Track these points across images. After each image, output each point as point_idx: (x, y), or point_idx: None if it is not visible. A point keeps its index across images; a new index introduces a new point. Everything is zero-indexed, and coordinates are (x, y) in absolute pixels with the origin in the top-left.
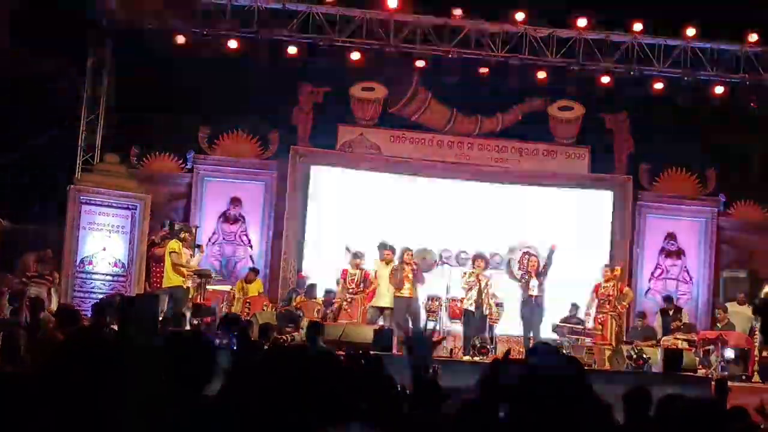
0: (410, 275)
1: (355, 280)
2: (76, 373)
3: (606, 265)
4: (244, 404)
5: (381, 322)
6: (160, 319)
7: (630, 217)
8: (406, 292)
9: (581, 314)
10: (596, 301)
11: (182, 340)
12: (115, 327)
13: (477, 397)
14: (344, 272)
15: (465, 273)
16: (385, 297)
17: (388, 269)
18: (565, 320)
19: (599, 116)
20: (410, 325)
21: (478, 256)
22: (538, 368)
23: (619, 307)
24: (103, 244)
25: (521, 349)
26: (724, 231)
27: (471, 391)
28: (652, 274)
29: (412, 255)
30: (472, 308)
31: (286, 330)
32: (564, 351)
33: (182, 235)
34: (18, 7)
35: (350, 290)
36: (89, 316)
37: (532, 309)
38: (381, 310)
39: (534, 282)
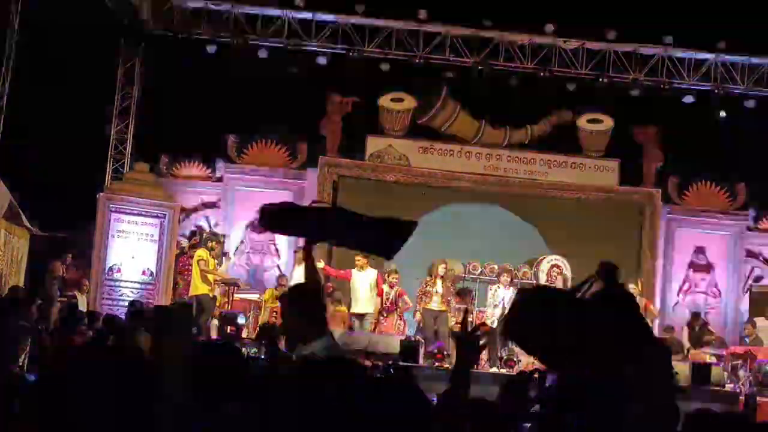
0: (441, 288)
1: (390, 298)
2: (106, 383)
3: (632, 284)
4: (272, 417)
5: (365, 327)
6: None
7: (659, 231)
8: (434, 305)
9: None
10: None
11: (213, 351)
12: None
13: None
14: (380, 291)
15: (490, 288)
16: (361, 303)
17: (362, 275)
18: None
19: (629, 129)
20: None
21: (502, 271)
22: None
23: None
24: (132, 252)
25: None
26: (753, 245)
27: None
28: (681, 288)
29: (446, 268)
30: (496, 325)
31: None
32: None
33: (209, 244)
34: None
35: (386, 307)
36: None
37: None
38: (360, 316)
39: None
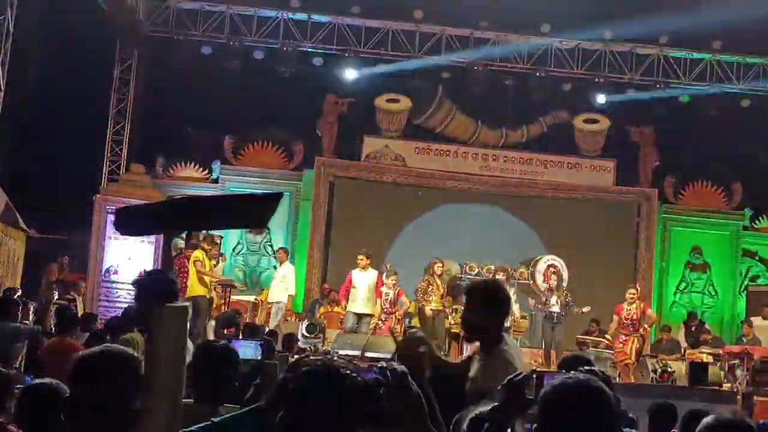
0: (441, 287)
1: (389, 299)
2: (101, 388)
3: (631, 288)
4: (270, 417)
5: (363, 329)
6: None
7: (655, 230)
8: (432, 304)
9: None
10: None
11: (211, 352)
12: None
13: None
14: (378, 292)
15: None
16: (360, 302)
17: (364, 275)
18: (586, 333)
19: (625, 129)
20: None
21: (499, 271)
22: (569, 380)
23: (641, 329)
24: (128, 253)
25: (542, 361)
26: (749, 244)
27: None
28: (677, 287)
29: (443, 268)
30: None
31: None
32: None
33: (204, 245)
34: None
35: (385, 309)
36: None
37: (552, 325)
38: (359, 316)
39: (554, 298)
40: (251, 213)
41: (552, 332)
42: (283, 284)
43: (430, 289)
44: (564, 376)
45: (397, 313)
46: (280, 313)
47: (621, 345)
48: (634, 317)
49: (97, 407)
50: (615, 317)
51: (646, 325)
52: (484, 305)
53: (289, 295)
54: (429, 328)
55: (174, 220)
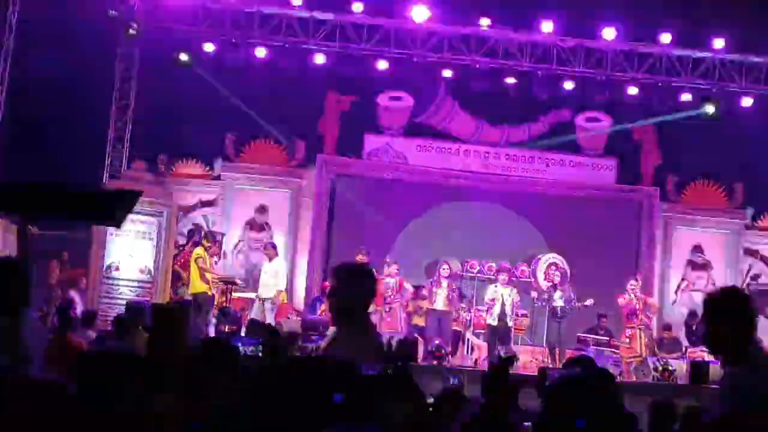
0: (447, 289)
1: (392, 287)
2: (105, 384)
3: (632, 280)
4: (265, 414)
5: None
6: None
7: (656, 229)
8: (438, 305)
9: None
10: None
11: (212, 349)
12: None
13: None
14: (380, 283)
15: (487, 288)
16: None
17: None
18: (590, 331)
19: (627, 127)
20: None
21: (500, 270)
22: (575, 377)
23: (645, 318)
24: (129, 250)
25: (545, 359)
26: (751, 243)
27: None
28: (679, 286)
29: (450, 269)
30: (495, 323)
31: (311, 338)
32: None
33: (205, 243)
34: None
35: (387, 298)
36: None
37: (558, 320)
38: None
39: (558, 293)
40: (109, 211)
41: (558, 327)
42: (274, 280)
43: (435, 290)
44: (567, 373)
45: (402, 299)
46: (273, 309)
47: (628, 340)
48: (636, 307)
49: (100, 404)
50: (620, 301)
51: (649, 313)
52: (348, 286)
53: (278, 290)
54: (434, 328)
55: (32, 208)
